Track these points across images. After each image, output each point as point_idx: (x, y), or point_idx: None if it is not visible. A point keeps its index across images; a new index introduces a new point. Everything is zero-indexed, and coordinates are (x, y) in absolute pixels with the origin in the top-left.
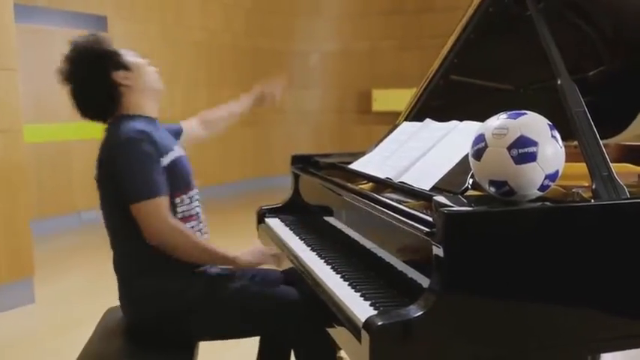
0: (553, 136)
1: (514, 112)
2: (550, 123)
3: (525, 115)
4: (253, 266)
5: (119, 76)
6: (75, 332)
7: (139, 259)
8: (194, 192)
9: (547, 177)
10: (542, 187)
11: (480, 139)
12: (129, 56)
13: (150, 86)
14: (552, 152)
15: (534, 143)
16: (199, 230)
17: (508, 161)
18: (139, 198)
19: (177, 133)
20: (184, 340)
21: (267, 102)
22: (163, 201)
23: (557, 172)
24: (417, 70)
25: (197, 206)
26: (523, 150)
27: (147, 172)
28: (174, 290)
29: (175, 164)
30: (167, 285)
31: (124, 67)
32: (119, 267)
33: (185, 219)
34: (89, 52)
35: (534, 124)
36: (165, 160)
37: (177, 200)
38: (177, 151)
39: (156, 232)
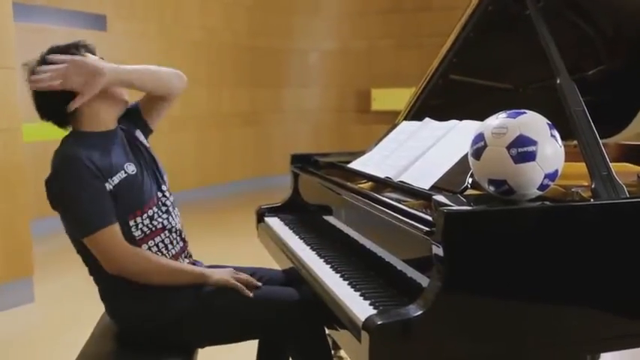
0: (552, 136)
1: (513, 111)
2: (549, 122)
3: (525, 115)
4: (223, 284)
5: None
6: (74, 331)
7: (116, 282)
8: (153, 210)
9: (546, 176)
10: (542, 187)
11: (480, 138)
12: (96, 62)
13: (111, 95)
14: (552, 151)
15: (533, 142)
16: (170, 243)
17: (507, 160)
18: (88, 231)
19: (135, 116)
20: (182, 345)
21: None
22: (114, 228)
23: (556, 171)
24: (415, 69)
25: (164, 219)
26: (522, 149)
27: (90, 202)
28: (160, 306)
29: (122, 187)
30: (150, 302)
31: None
32: (99, 289)
33: (148, 236)
34: (55, 52)
35: (533, 123)
36: (112, 184)
37: (132, 223)
38: (128, 169)
39: (114, 261)
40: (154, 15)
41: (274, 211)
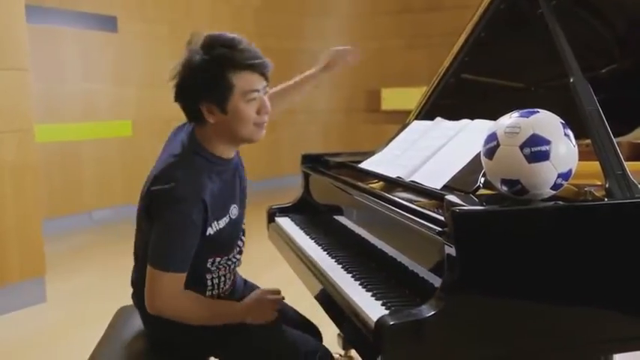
0: (566, 135)
1: (526, 110)
2: (563, 121)
3: (538, 114)
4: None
5: (205, 107)
6: (86, 331)
7: None
8: (234, 252)
9: (560, 175)
10: (555, 186)
11: (492, 137)
12: (243, 97)
13: (240, 136)
14: (565, 151)
15: (547, 142)
16: (230, 276)
17: (521, 160)
18: (155, 264)
19: None
20: (196, 353)
21: (338, 66)
22: (178, 278)
23: (570, 170)
24: (425, 69)
25: (237, 259)
26: (536, 148)
27: (178, 242)
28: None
29: (223, 232)
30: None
31: (220, 106)
32: (137, 291)
33: (217, 271)
34: (217, 57)
35: (547, 122)
36: (215, 228)
37: (210, 260)
38: (233, 212)
39: (155, 305)
40: (165, 16)
41: (285, 211)
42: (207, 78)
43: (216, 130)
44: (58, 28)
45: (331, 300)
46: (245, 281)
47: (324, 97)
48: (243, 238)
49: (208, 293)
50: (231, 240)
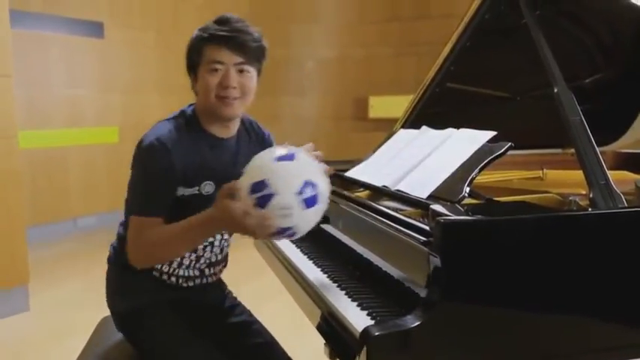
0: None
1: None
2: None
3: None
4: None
5: (191, 77)
6: (70, 340)
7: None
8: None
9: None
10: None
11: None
12: (207, 66)
13: (207, 109)
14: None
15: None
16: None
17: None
18: (129, 212)
19: (262, 141)
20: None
21: None
22: (150, 222)
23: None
24: (413, 77)
25: (200, 256)
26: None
27: (147, 187)
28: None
29: (186, 203)
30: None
31: (194, 75)
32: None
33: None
34: (202, 30)
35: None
36: (178, 193)
37: None
38: (204, 189)
39: (132, 253)
40: (152, 23)
41: None
42: (190, 49)
43: (199, 102)
44: (43, 34)
45: (317, 310)
46: (227, 295)
47: (311, 105)
48: (224, 236)
49: (165, 277)
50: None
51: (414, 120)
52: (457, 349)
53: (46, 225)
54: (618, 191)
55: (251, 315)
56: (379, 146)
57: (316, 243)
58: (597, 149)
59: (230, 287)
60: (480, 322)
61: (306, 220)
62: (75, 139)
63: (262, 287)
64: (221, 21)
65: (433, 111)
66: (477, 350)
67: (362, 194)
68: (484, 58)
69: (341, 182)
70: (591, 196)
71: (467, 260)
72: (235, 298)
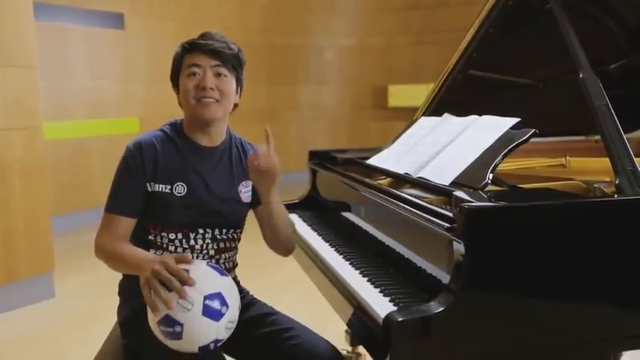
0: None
1: None
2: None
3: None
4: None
5: (175, 90)
6: (95, 327)
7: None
8: (176, 236)
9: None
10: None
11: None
12: (185, 71)
13: (188, 114)
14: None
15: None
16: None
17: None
18: (105, 207)
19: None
20: None
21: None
22: (114, 220)
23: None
24: (433, 65)
25: (176, 247)
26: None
27: (116, 185)
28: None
29: (157, 198)
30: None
31: (176, 85)
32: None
33: (152, 248)
34: (182, 45)
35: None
36: (150, 188)
37: (152, 231)
38: (177, 190)
39: (96, 243)
40: (172, 13)
41: (292, 207)
42: (173, 62)
43: (184, 112)
44: (65, 26)
45: (339, 296)
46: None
47: (331, 94)
48: (213, 245)
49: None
50: (166, 214)
51: (436, 108)
52: (480, 335)
53: (70, 214)
54: None
55: (272, 308)
56: (399, 134)
57: (338, 231)
58: (624, 135)
59: (243, 282)
60: (502, 308)
61: (197, 325)
62: (97, 129)
63: (277, 280)
64: (202, 35)
65: (455, 98)
66: (500, 336)
67: (384, 182)
68: (507, 45)
69: (362, 170)
70: (617, 182)
71: (490, 246)
72: (253, 297)
